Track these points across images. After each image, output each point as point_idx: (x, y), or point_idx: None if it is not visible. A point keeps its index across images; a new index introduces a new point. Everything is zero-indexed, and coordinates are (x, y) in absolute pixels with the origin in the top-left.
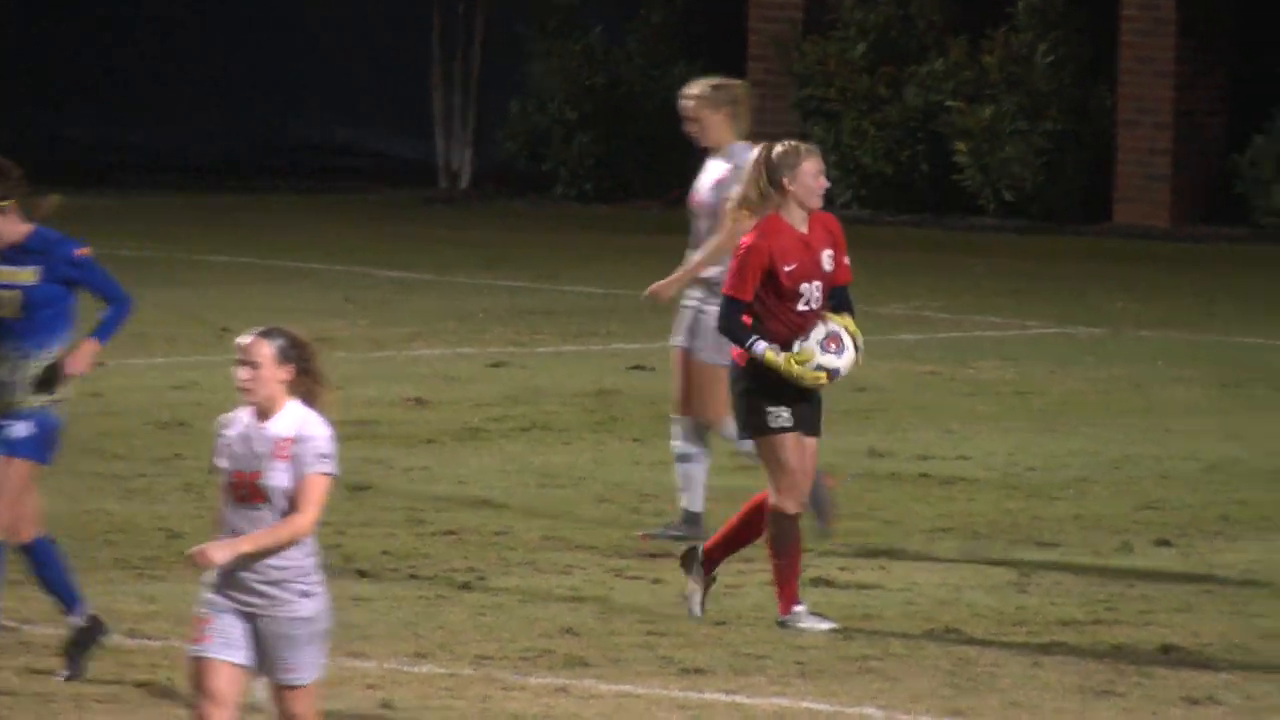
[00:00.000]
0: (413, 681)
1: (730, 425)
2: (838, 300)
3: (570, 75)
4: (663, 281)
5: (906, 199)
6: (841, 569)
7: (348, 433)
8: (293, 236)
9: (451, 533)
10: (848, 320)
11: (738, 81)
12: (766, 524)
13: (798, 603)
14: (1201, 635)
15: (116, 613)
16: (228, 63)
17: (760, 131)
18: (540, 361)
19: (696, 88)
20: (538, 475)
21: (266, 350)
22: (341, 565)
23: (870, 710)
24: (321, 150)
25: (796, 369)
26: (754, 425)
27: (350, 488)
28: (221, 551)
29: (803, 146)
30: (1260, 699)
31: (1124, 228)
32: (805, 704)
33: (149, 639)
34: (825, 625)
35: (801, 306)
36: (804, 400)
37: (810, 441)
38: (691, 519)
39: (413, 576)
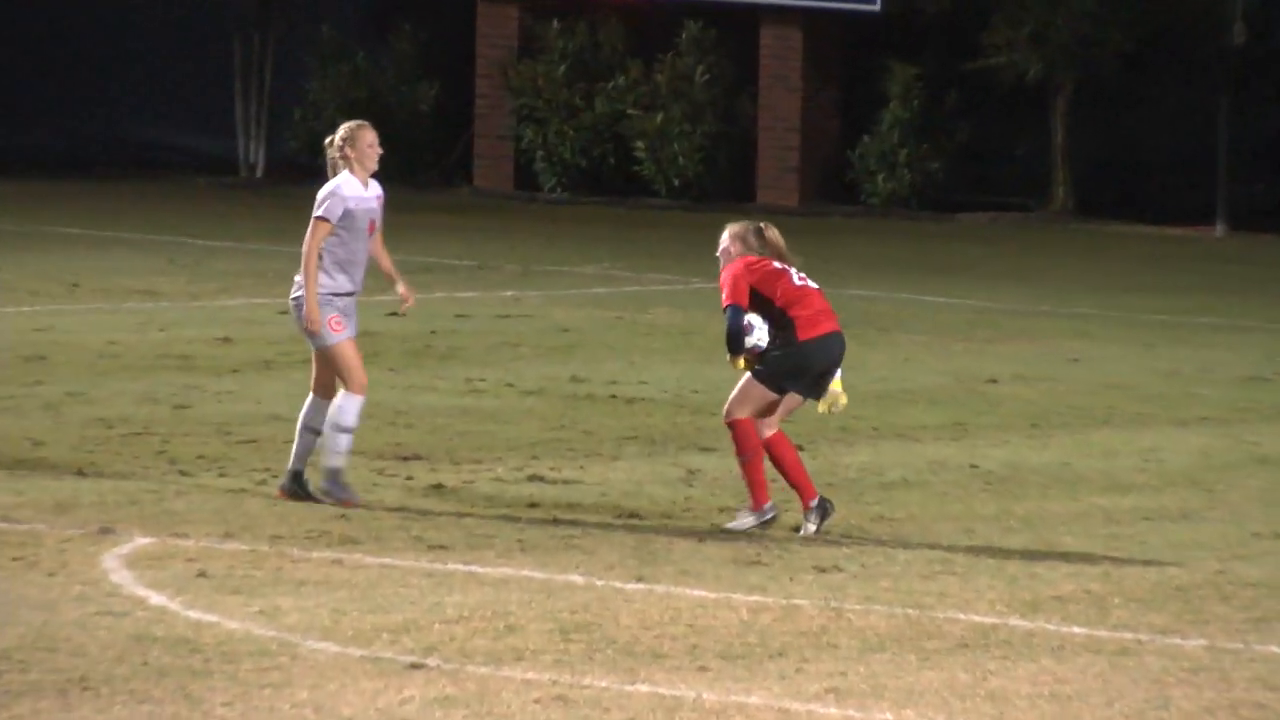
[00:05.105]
0: (222, 556)
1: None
2: None
3: (340, 91)
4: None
5: (598, 185)
6: (550, 468)
7: (171, 364)
8: (125, 213)
9: (252, 441)
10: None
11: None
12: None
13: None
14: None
15: None
16: (69, 76)
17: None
18: None
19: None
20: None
21: None
22: (166, 467)
23: (574, 577)
24: (146, 147)
25: None
26: None
27: (173, 406)
28: None
29: None
30: (873, 567)
31: (765, 206)
32: (524, 572)
33: (18, 523)
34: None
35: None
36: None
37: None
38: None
39: (221, 474)
